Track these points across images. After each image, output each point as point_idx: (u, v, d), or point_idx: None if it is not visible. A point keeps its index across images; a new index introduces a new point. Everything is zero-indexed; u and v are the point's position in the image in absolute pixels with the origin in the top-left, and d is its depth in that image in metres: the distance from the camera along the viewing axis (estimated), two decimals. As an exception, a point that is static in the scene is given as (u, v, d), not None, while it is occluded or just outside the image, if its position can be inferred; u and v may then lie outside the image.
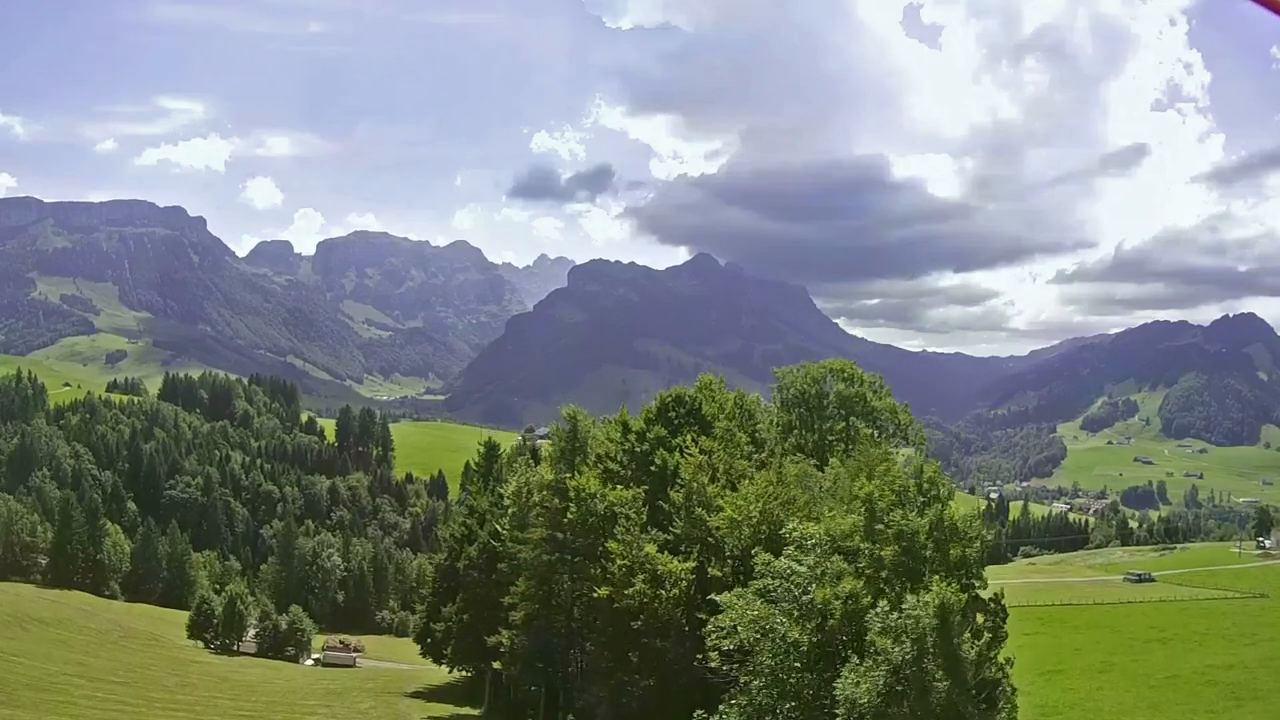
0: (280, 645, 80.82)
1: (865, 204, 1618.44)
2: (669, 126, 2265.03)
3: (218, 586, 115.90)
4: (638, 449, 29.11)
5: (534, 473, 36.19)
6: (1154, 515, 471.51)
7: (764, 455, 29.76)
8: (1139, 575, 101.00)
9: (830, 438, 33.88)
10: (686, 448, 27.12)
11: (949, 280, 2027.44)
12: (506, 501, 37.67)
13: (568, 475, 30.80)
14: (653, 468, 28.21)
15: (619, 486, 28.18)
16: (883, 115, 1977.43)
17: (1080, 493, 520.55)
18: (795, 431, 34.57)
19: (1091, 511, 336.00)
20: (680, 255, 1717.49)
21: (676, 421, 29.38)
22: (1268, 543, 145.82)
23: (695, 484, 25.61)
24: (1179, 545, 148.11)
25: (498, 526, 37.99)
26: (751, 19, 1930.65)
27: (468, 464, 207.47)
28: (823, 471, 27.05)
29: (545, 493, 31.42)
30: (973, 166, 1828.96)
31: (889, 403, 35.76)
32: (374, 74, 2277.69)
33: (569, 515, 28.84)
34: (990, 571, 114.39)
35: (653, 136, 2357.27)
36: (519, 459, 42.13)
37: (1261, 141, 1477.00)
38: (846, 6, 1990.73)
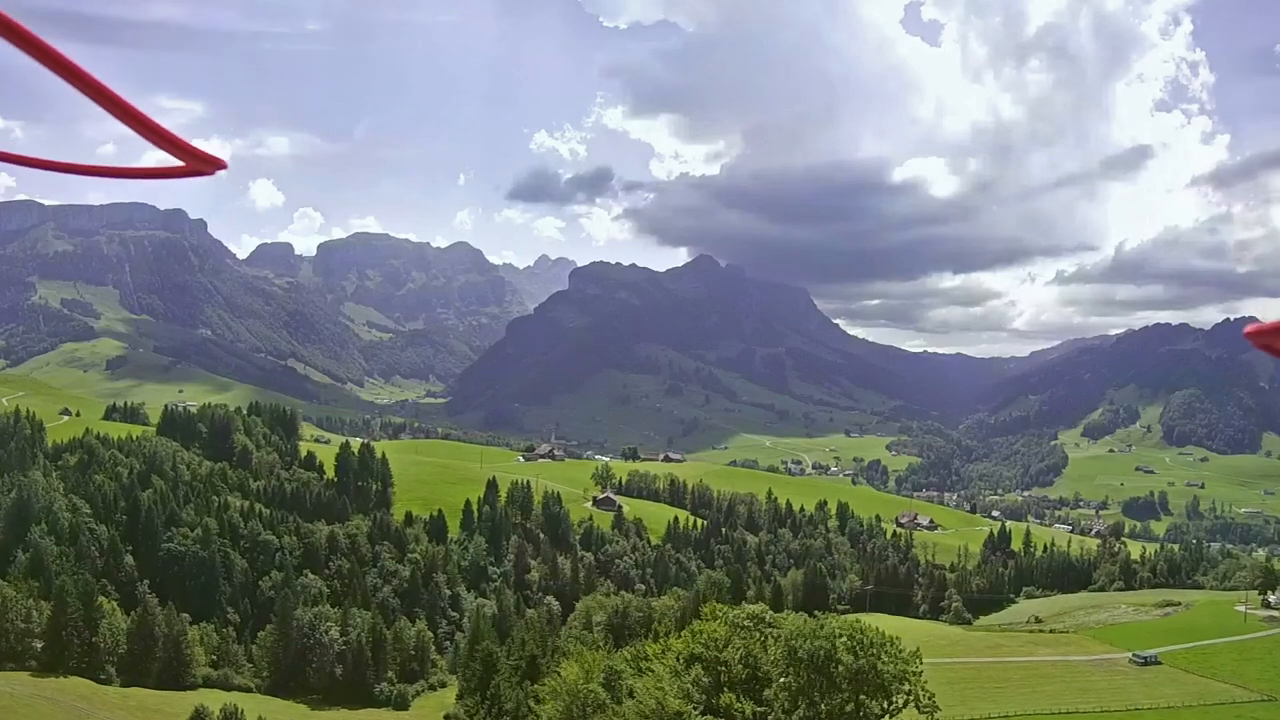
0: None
1: (866, 206, 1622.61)
2: (670, 126, 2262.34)
3: (214, 660, 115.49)
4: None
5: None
6: (1155, 527, 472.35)
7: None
8: (1144, 658, 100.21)
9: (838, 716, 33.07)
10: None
11: (949, 281, 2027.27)
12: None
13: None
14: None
15: None
16: (884, 116, 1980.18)
17: (1082, 503, 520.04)
18: (803, 704, 33.68)
19: (1094, 532, 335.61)
20: (680, 257, 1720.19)
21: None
22: (1273, 599, 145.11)
23: None
24: (1181, 602, 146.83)
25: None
26: (749, 17, 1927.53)
27: (467, 501, 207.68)
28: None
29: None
30: (974, 167, 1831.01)
31: (900, 667, 34.81)
32: (374, 74, 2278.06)
33: None
34: (994, 636, 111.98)
35: (654, 137, 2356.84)
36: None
37: (1264, 143, 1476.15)
38: (847, 5, 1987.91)
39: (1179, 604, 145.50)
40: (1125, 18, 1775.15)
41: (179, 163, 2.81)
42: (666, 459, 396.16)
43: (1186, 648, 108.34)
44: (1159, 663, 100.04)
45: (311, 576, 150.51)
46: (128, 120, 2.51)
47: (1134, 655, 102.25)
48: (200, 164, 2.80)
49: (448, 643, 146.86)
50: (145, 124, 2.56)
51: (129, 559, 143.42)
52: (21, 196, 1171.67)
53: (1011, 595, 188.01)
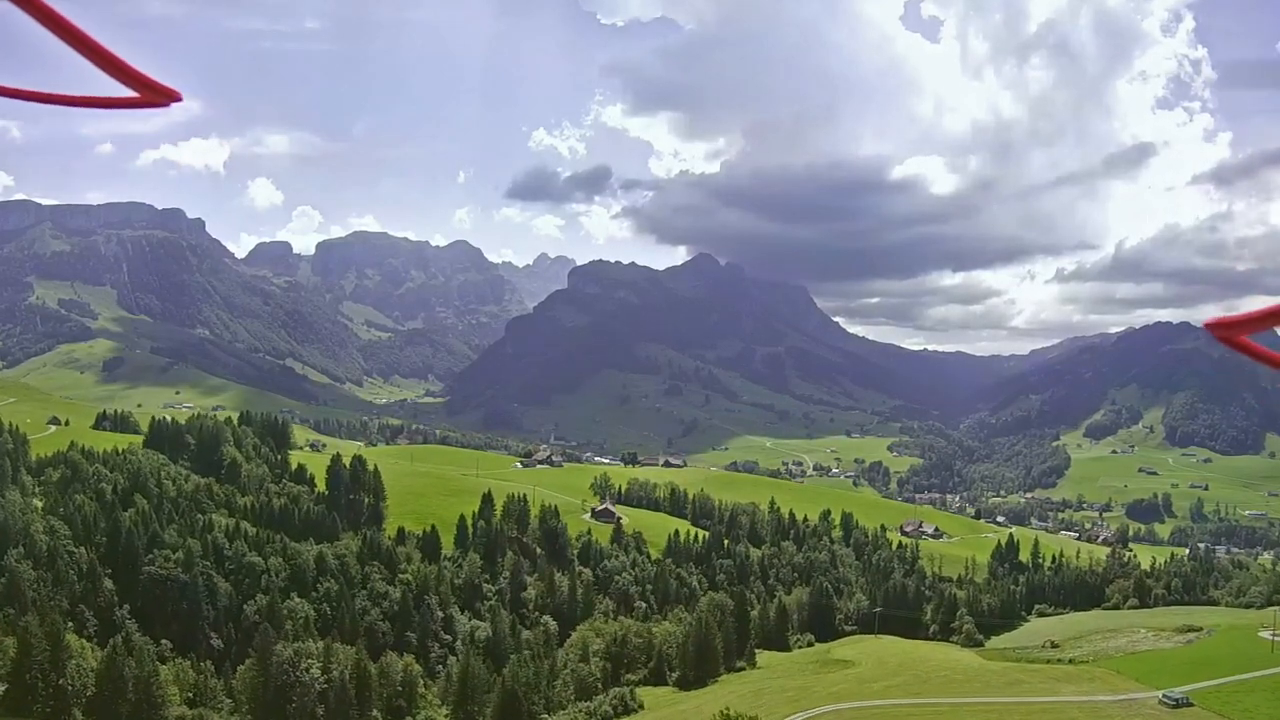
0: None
1: (866, 204, 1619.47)
2: (669, 124, 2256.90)
3: (191, 697, 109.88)
4: None
5: None
6: (1159, 529, 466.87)
7: None
8: (1175, 699, 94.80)
9: None
10: None
11: (949, 279, 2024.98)
12: None
13: None
14: None
15: None
16: (884, 114, 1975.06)
17: (1085, 505, 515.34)
18: None
19: (1101, 539, 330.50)
20: (680, 255, 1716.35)
21: None
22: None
23: None
24: (1203, 628, 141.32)
25: None
26: (748, 15, 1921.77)
27: (461, 516, 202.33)
28: None
29: None
30: (975, 165, 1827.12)
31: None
32: (372, 73, 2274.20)
33: None
34: (1013, 671, 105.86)
35: (653, 135, 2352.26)
36: None
37: (1265, 140, 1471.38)
38: (847, 2, 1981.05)
39: (1200, 629, 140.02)
40: (1127, 15, 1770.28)
41: (133, 94, 2.69)
42: (666, 464, 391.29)
43: (1216, 685, 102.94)
44: (1190, 704, 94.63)
45: (298, 600, 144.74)
46: (79, 47, 2.41)
47: (1164, 696, 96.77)
48: (155, 95, 2.69)
49: (440, 666, 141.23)
50: (99, 53, 2.44)
51: (108, 583, 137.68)
52: (19, 196, 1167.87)
53: (1023, 613, 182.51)
